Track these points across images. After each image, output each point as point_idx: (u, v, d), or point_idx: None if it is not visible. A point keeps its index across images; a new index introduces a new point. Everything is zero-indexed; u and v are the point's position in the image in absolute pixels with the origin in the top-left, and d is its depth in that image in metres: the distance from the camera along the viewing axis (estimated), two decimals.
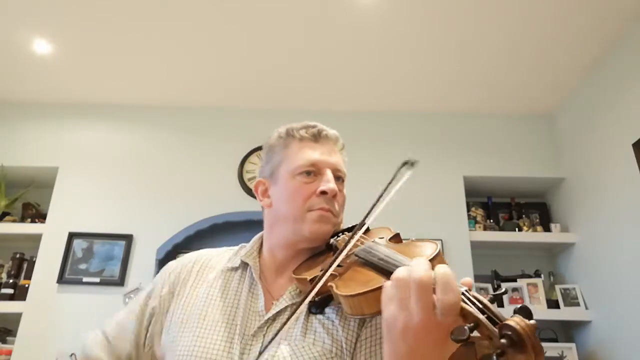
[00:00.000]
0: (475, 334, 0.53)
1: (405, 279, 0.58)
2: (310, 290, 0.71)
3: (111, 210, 2.82)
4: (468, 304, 0.56)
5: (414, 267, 0.59)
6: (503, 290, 0.59)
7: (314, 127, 0.95)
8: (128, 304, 1.00)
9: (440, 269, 0.58)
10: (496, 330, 0.52)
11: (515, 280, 2.72)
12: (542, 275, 2.78)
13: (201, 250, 1.04)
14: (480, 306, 0.55)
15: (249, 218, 2.67)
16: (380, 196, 0.77)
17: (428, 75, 2.78)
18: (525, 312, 0.52)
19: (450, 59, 2.63)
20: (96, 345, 0.95)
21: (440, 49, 2.56)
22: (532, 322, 0.51)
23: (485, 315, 0.54)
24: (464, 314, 0.56)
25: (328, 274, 0.73)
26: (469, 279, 0.60)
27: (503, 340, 0.50)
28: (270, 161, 0.96)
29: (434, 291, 0.57)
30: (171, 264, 1.02)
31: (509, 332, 0.50)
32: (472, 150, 2.98)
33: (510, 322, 0.50)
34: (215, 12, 2.34)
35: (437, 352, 0.58)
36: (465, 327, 0.51)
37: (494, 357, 0.50)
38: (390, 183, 0.77)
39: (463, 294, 0.57)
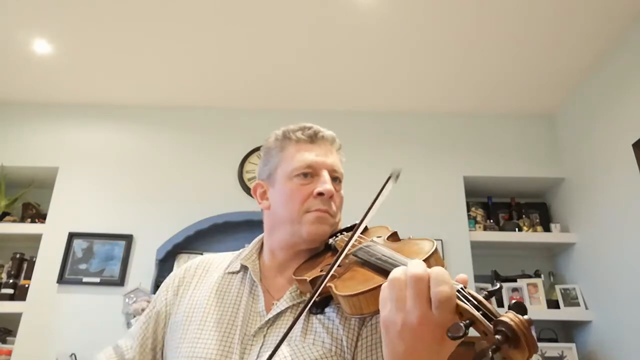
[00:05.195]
0: (473, 331, 0.54)
1: (401, 278, 0.60)
2: (314, 295, 0.72)
3: (111, 210, 2.82)
4: (463, 301, 0.56)
5: (409, 266, 0.60)
6: (498, 286, 0.60)
7: (310, 128, 0.95)
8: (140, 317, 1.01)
9: (435, 267, 0.60)
10: (491, 326, 0.53)
11: (515, 281, 2.72)
12: (542, 275, 2.78)
13: (205, 255, 1.06)
14: (476, 303, 0.56)
15: (248, 218, 2.67)
16: (378, 196, 0.76)
17: (428, 75, 2.78)
18: (519, 308, 0.53)
19: (450, 59, 2.63)
20: None
21: (441, 50, 2.56)
22: (526, 317, 0.51)
23: (481, 312, 0.55)
24: (460, 312, 0.56)
25: (329, 275, 0.73)
26: (464, 275, 0.61)
27: (497, 336, 0.51)
28: (267, 163, 0.97)
29: (429, 289, 0.57)
30: (176, 271, 1.04)
31: (503, 329, 0.51)
32: (472, 150, 2.98)
33: (505, 319, 0.51)
34: (215, 12, 2.34)
35: (436, 349, 0.58)
36: (461, 324, 0.52)
37: (489, 353, 0.51)
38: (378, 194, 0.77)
39: (458, 291, 0.58)
